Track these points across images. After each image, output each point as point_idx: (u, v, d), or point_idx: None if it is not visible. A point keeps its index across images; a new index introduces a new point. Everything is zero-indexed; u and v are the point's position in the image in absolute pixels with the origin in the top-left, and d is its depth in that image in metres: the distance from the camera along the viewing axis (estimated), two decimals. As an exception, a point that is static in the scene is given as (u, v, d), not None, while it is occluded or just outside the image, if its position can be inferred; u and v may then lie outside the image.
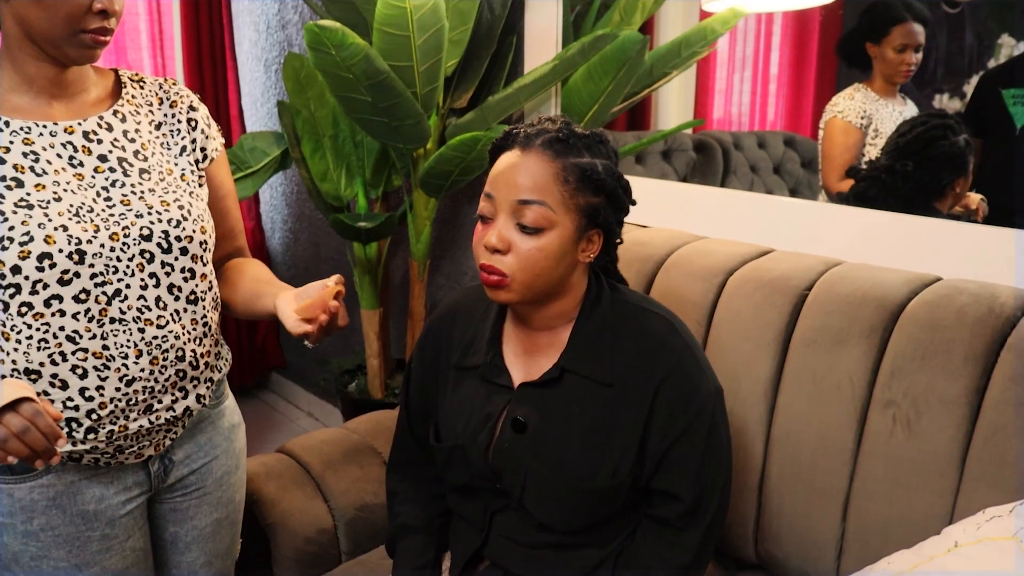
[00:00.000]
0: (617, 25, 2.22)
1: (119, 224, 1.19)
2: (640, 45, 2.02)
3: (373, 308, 2.53)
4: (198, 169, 1.36)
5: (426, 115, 2.07)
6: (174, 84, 1.37)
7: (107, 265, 1.17)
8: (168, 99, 1.34)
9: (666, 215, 1.97)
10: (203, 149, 1.37)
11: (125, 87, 1.30)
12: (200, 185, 1.35)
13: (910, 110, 2.70)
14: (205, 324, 1.32)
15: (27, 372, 1.15)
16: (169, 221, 1.24)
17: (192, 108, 1.37)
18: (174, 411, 1.29)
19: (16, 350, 1.15)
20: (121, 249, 1.19)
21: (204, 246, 1.30)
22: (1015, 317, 1.32)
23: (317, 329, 1.18)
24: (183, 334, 1.27)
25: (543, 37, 2.19)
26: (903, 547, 1.32)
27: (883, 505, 1.36)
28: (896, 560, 1.30)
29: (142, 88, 1.32)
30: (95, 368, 1.18)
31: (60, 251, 1.13)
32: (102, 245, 1.17)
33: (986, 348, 1.31)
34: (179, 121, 1.34)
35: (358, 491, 1.67)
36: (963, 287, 1.40)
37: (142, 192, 1.24)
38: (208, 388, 1.35)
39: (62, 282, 1.14)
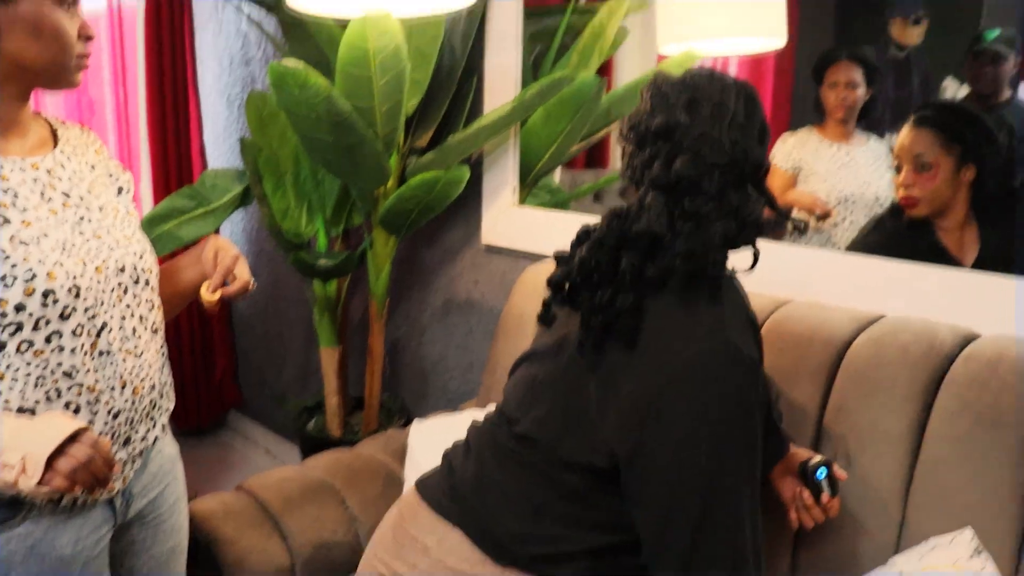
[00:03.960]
0: (575, 67, 2.27)
1: (99, 257, 1.22)
2: (597, 88, 2.07)
3: (332, 346, 2.54)
4: (132, 206, 1.40)
5: (387, 154, 2.10)
6: (86, 129, 1.40)
7: (96, 298, 1.19)
8: (93, 144, 1.37)
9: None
10: (127, 184, 1.40)
11: (58, 130, 1.32)
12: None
13: (865, 151, 2.76)
14: (164, 354, 1.36)
15: (20, 411, 1.14)
16: (135, 254, 1.28)
17: (107, 155, 1.40)
18: (147, 440, 1.32)
19: (11, 388, 1.14)
20: (104, 282, 1.21)
21: (156, 278, 1.35)
22: (953, 354, 1.37)
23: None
24: (153, 363, 1.31)
25: (503, 79, 2.24)
26: (852, 579, 1.36)
27: (832, 538, 1.39)
28: (844, 591, 1.33)
29: (69, 131, 1.34)
30: (88, 403, 1.19)
31: (61, 287, 1.14)
32: (91, 279, 1.19)
33: (926, 385, 1.36)
34: (107, 164, 1.38)
35: (316, 529, 1.67)
36: (905, 325, 1.45)
37: (107, 227, 1.27)
38: (167, 417, 1.39)
39: (63, 317, 1.15)
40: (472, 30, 2.22)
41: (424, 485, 1.32)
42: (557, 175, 3.10)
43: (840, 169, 2.67)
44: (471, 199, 2.36)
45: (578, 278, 1.18)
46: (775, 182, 2.64)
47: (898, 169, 1.92)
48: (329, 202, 2.43)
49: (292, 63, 1.81)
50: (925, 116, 1.94)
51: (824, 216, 2.52)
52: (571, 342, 1.18)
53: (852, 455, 1.40)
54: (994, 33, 2.89)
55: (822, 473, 1.30)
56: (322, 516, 1.70)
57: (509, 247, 2.29)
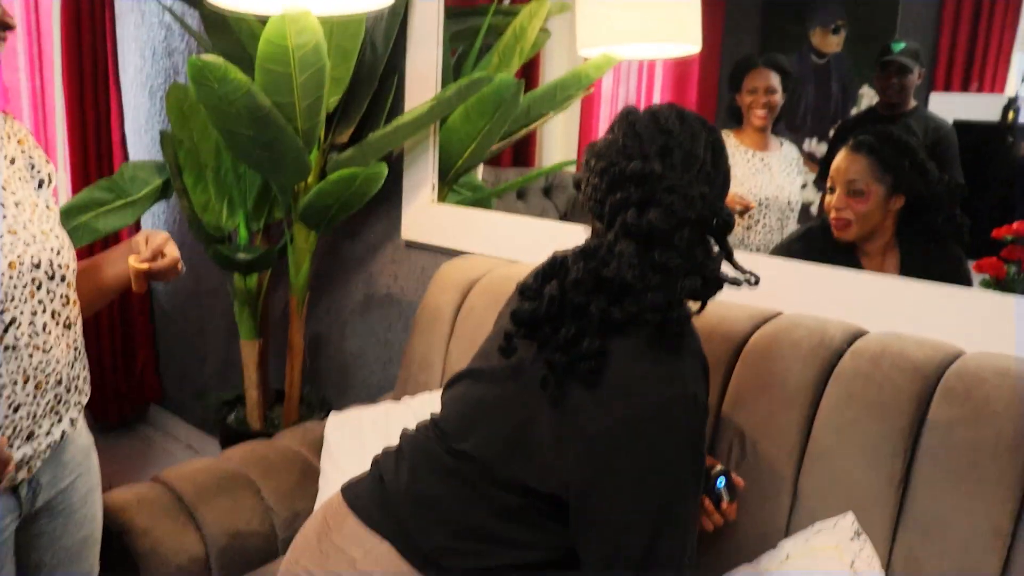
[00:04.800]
0: (496, 68, 2.32)
1: (13, 253, 1.21)
2: (515, 88, 2.12)
3: (252, 339, 2.54)
4: (53, 200, 1.39)
5: (307, 150, 2.12)
6: (10, 117, 1.38)
7: (7, 294, 1.19)
8: (16, 134, 1.36)
9: (525, 249, 2.06)
10: (49, 176, 1.39)
11: None
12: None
13: (779, 157, 2.86)
14: (76, 348, 1.36)
15: None
16: (51, 249, 1.28)
17: (33, 143, 1.39)
18: (52, 436, 1.31)
19: None
20: (18, 277, 1.21)
21: (74, 273, 1.34)
22: (841, 350, 1.45)
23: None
24: (62, 358, 1.30)
25: (424, 77, 2.27)
26: (746, 562, 1.43)
27: (730, 527, 1.45)
28: (737, 573, 1.40)
29: None
30: None
31: None
32: (2, 274, 1.19)
33: (816, 378, 1.43)
34: (30, 156, 1.37)
35: (231, 519, 1.69)
36: (799, 321, 1.53)
37: (24, 222, 1.26)
38: (78, 411, 1.38)
39: None
40: (394, 29, 2.25)
41: (352, 493, 1.33)
42: (480, 172, 3.14)
43: (756, 175, 2.76)
44: (392, 195, 2.39)
45: (544, 313, 1.19)
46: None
47: (831, 190, 1.98)
48: (250, 196, 2.44)
49: (211, 58, 1.82)
50: (862, 142, 2.01)
51: (745, 211, 2.60)
52: (527, 371, 1.20)
53: (749, 445, 1.47)
54: (900, 45, 3.01)
55: (721, 482, 1.36)
56: (237, 506, 1.72)
57: (428, 243, 2.33)
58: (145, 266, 1.34)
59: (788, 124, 4.08)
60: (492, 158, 3.00)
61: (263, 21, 1.88)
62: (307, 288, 2.40)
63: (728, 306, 1.62)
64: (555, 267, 1.23)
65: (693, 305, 1.24)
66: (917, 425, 1.35)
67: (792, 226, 2.65)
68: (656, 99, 4.84)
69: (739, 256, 1.29)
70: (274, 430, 2.54)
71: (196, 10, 2.48)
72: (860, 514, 1.36)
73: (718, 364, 1.51)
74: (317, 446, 1.90)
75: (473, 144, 2.29)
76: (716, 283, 1.20)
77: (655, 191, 1.15)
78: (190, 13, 3.01)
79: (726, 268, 1.23)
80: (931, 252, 1.95)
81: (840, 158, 2.03)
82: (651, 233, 1.15)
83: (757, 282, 1.27)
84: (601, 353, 1.13)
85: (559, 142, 4.47)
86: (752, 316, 1.57)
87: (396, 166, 2.36)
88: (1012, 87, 4.73)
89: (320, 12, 1.82)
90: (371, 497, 1.29)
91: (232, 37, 2.17)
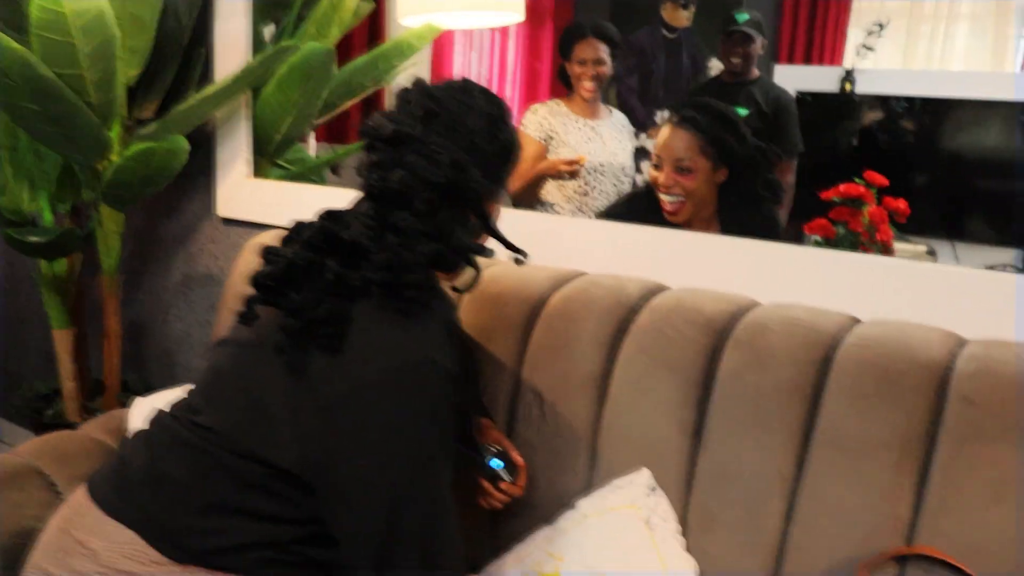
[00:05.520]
0: (313, 38, 2.25)
1: None
2: (324, 57, 2.06)
3: (65, 328, 2.41)
4: None
5: (105, 126, 2.01)
6: None
7: None
8: None
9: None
10: None
11: None
12: None
13: (609, 125, 2.88)
14: None
15: None
16: None
17: None
18: None
19: None
20: None
21: None
22: (637, 306, 1.46)
23: None
24: None
25: (232, 49, 2.19)
26: (547, 524, 1.43)
27: (531, 489, 1.44)
28: (537, 536, 1.40)
29: None
30: None
31: None
32: None
33: (611, 335, 1.44)
34: None
35: (16, 517, 1.58)
36: (599, 280, 1.53)
37: None
38: None
39: None
40: (197, -2, 2.15)
41: (92, 482, 1.23)
42: (313, 148, 3.06)
43: (588, 143, 2.77)
44: (206, 171, 2.30)
45: (284, 277, 1.14)
46: (528, 151, 2.71)
47: (657, 166, 1.98)
48: (53, 176, 2.30)
49: (-19, 25, 1.70)
50: (686, 118, 2.01)
51: (573, 163, 2.59)
52: (269, 339, 1.13)
53: (547, 407, 1.46)
54: (744, 16, 3.08)
55: (497, 464, 1.36)
56: (24, 502, 1.61)
57: (245, 219, 2.25)
58: None
59: (641, 96, 4.14)
60: (336, 134, 2.93)
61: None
62: (119, 271, 2.29)
63: (533, 268, 1.61)
64: (299, 230, 1.19)
65: (462, 276, 1.23)
66: (708, 376, 1.37)
67: (627, 191, 2.68)
68: (510, 71, 4.86)
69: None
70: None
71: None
72: (656, 469, 1.38)
73: (516, 326, 1.50)
74: (120, 433, 1.80)
75: (289, 117, 2.21)
76: (463, 253, 1.18)
77: (405, 154, 1.13)
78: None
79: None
80: (748, 217, 1.98)
81: (666, 134, 2.03)
82: (392, 194, 1.12)
83: (525, 258, 1.26)
84: (341, 318, 1.09)
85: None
86: (553, 277, 1.56)
87: (209, 141, 2.27)
88: (849, 60, 4.94)
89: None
90: (112, 484, 1.20)
91: (14, 5, 2.03)
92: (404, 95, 1.19)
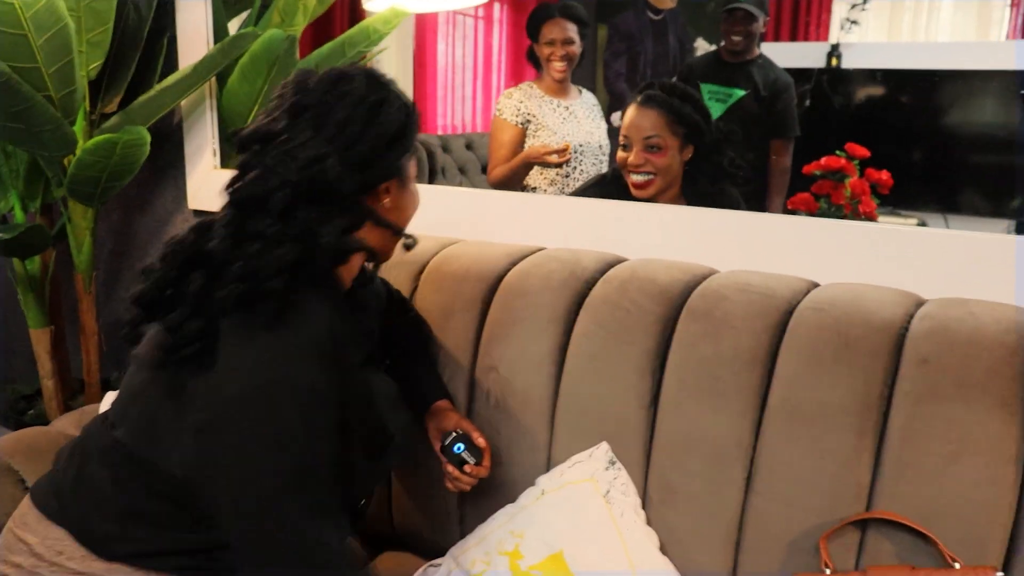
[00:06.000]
0: (278, 26, 2.23)
1: None
2: (287, 44, 2.04)
3: (42, 327, 2.40)
4: None
5: (69, 120, 1.99)
6: None
7: None
8: None
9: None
10: None
11: None
12: None
13: (580, 104, 2.85)
14: None
15: None
16: None
17: None
18: None
19: None
20: None
21: None
22: (593, 279, 1.44)
23: None
24: None
25: (195, 39, 2.17)
26: (510, 502, 1.41)
27: (493, 467, 1.43)
28: (499, 515, 1.38)
29: None
30: None
31: None
32: None
33: (567, 309, 1.42)
34: None
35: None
36: (555, 255, 1.51)
37: None
38: None
39: None
40: (156, -12, 2.13)
41: (36, 486, 1.26)
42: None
43: (564, 123, 2.74)
44: (177, 163, 2.29)
45: (159, 295, 1.11)
46: (505, 136, 2.69)
47: (625, 147, 1.95)
48: (21, 174, 2.29)
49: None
50: (652, 97, 1.98)
51: (563, 151, 2.57)
52: (156, 357, 1.12)
53: (505, 383, 1.44)
54: None
55: (459, 448, 1.34)
56: (-9, 498, 1.61)
57: (216, 211, 2.23)
58: None
59: (628, 78, 4.12)
60: None
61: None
62: (92, 267, 2.27)
63: (490, 246, 1.59)
64: (171, 244, 1.15)
65: (348, 268, 1.19)
66: (664, 347, 1.35)
67: (607, 169, 2.65)
68: (495, 58, 4.83)
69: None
70: (74, 420, 2.41)
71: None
72: (615, 441, 1.36)
73: (474, 304, 1.48)
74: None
75: (256, 105, 2.19)
76: (330, 253, 1.11)
77: (265, 154, 1.08)
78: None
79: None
80: (713, 196, 1.95)
81: (632, 114, 2.00)
82: (249, 198, 1.08)
83: (414, 244, 1.24)
84: (209, 335, 1.05)
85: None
86: (510, 254, 1.54)
87: (178, 132, 2.25)
88: (834, 35, 4.90)
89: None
90: (50, 489, 1.22)
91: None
92: (280, 90, 1.14)
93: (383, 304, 1.41)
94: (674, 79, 3.28)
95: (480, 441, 1.36)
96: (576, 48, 2.71)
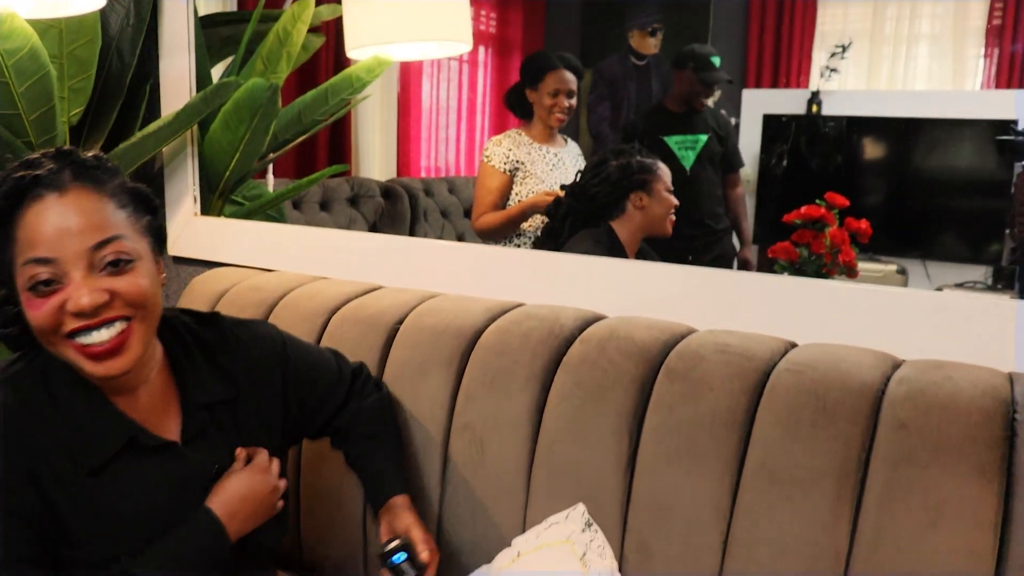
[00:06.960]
0: (261, 74, 2.23)
1: None
2: (269, 92, 2.04)
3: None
4: None
5: (48, 166, 1.98)
6: None
7: None
8: None
9: (292, 259, 1.98)
10: None
11: None
12: None
13: (569, 151, 2.88)
14: None
15: None
16: None
17: None
18: None
19: None
20: None
21: None
22: (572, 337, 1.43)
23: None
24: None
25: (178, 87, 2.17)
26: (486, 563, 1.39)
27: (468, 527, 1.42)
28: (473, 574, 1.36)
29: None
30: None
31: None
32: None
33: (545, 368, 1.41)
34: None
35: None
36: (535, 312, 1.50)
37: None
38: None
39: None
40: (139, 37, 2.13)
41: None
42: (271, 184, 3.05)
43: (553, 170, 2.76)
44: (158, 210, 2.28)
45: None
46: (493, 183, 2.70)
47: None
48: (0, 220, 2.27)
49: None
50: None
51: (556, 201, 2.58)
52: None
53: (481, 442, 1.43)
54: (717, 59, 3.17)
55: (399, 558, 1.27)
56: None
57: (195, 257, 2.22)
58: None
59: (611, 123, 4.14)
60: (303, 169, 2.88)
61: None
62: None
63: (470, 300, 1.59)
64: None
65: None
66: (642, 407, 1.34)
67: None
68: (480, 101, 4.85)
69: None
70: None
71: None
72: (592, 503, 1.35)
73: (450, 359, 1.47)
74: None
75: (237, 153, 2.19)
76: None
77: None
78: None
79: None
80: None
81: None
82: None
83: None
84: None
85: (377, 150, 4.42)
86: (489, 309, 1.53)
87: (159, 179, 2.24)
88: (815, 82, 4.95)
89: (28, 15, 1.71)
90: None
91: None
92: None
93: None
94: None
95: (424, 556, 1.29)
96: (575, 100, 2.76)
